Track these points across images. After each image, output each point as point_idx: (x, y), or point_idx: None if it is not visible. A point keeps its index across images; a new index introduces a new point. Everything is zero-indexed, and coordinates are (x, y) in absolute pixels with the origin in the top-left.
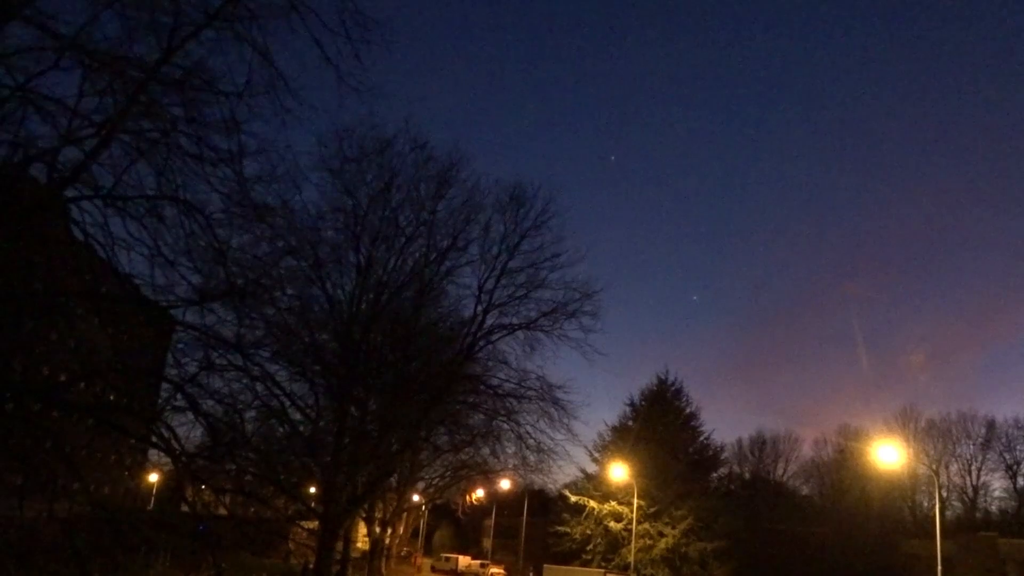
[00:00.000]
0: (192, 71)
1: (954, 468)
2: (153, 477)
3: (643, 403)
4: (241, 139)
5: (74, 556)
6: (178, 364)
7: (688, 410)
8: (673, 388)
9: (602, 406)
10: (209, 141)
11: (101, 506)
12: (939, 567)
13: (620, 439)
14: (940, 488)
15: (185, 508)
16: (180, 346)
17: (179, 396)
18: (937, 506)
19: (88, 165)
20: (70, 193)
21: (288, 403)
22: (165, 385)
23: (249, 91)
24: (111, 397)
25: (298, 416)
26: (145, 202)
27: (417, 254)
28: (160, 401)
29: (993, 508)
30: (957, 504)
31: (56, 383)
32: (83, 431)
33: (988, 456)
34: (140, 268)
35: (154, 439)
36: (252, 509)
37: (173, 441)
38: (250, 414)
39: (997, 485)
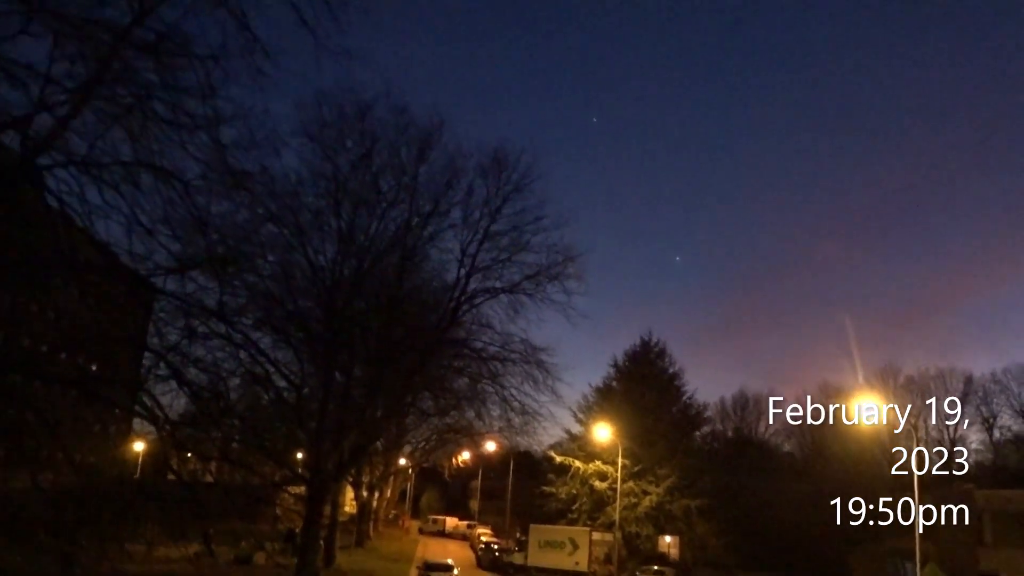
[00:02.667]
0: (165, 35)
1: (932, 422)
2: (139, 446)
3: (627, 364)
4: (217, 104)
5: (62, 526)
6: (160, 333)
7: (671, 370)
8: (656, 349)
9: (586, 368)
10: (185, 106)
11: (87, 476)
12: (918, 519)
13: (604, 400)
14: (918, 442)
15: (171, 476)
16: (161, 315)
17: (162, 365)
18: (914, 460)
19: (61, 132)
20: (44, 161)
21: (272, 370)
22: (148, 354)
23: (224, 55)
24: (93, 367)
25: (283, 383)
26: (121, 169)
27: (399, 219)
28: (143, 370)
29: (970, 461)
30: (935, 457)
31: (37, 355)
32: (66, 402)
33: (965, 410)
34: (118, 237)
35: (138, 408)
36: (239, 476)
37: (157, 410)
38: (234, 382)
39: (974, 438)
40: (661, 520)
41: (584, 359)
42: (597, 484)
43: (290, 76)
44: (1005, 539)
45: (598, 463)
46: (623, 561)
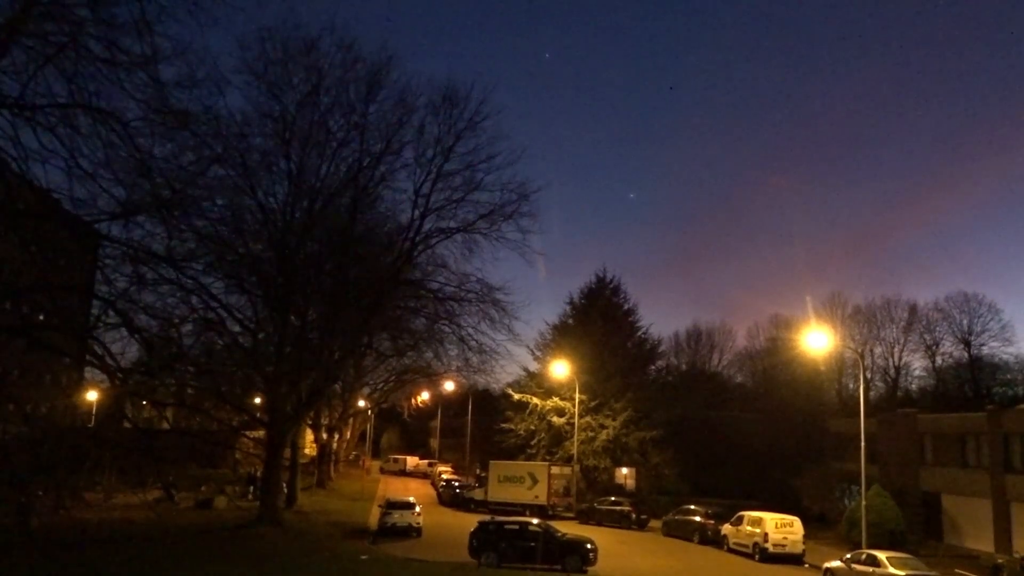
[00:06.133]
0: None
1: (878, 351)
2: (92, 395)
3: (582, 301)
4: (155, 41)
5: (16, 477)
6: (107, 280)
7: (626, 306)
8: (611, 285)
9: (542, 306)
10: (121, 44)
11: (39, 426)
12: (863, 443)
13: (561, 337)
14: (864, 370)
15: (127, 424)
16: (108, 261)
17: (110, 312)
18: (861, 386)
19: None
20: None
21: (225, 315)
22: (96, 302)
23: None
24: (40, 316)
25: (237, 328)
26: (57, 111)
27: (350, 159)
28: (91, 318)
29: (913, 387)
30: (880, 384)
31: None
32: (14, 352)
33: (910, 338)
34: (58, 182)
35: (88, 357)
36: (197, 421)
37: (108, 358)
38: (187, 328)
39: (917, 365)
40: (618, 452)
41: (540, 296)
42: (555, 419)
43: (230, 11)
44: (945, 460)
45: (556, 399)
46: (582, 493)
